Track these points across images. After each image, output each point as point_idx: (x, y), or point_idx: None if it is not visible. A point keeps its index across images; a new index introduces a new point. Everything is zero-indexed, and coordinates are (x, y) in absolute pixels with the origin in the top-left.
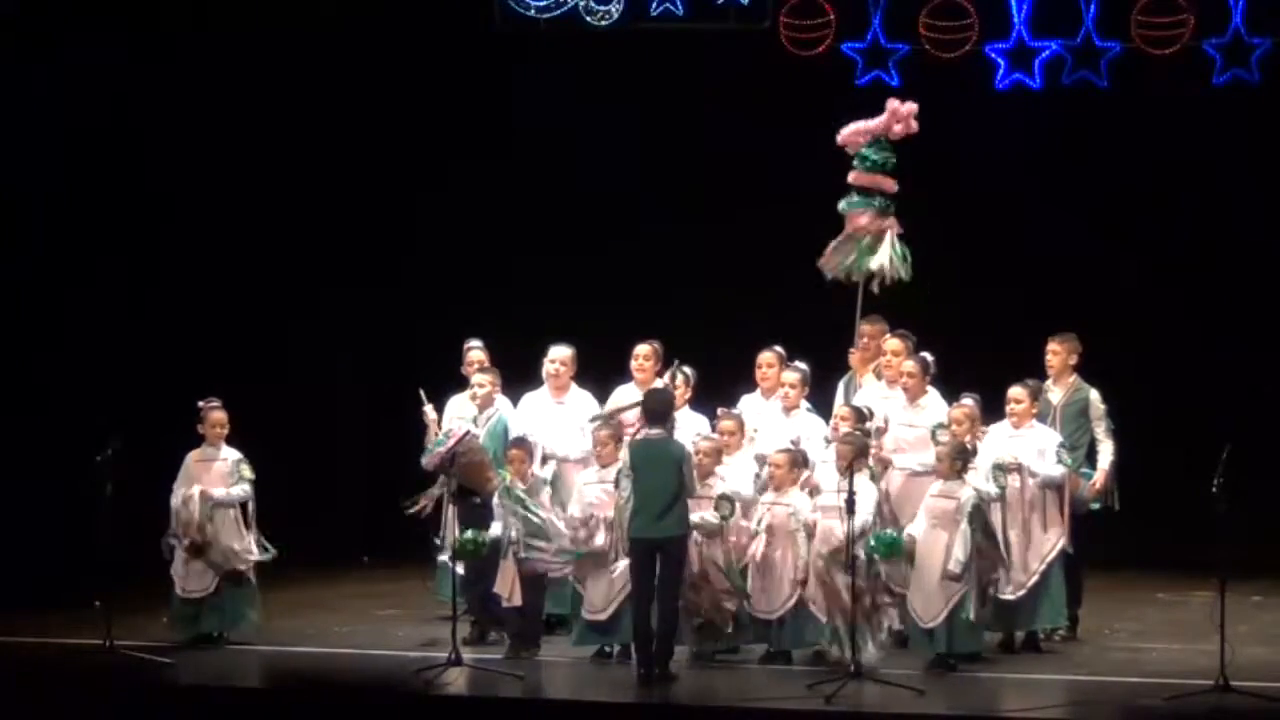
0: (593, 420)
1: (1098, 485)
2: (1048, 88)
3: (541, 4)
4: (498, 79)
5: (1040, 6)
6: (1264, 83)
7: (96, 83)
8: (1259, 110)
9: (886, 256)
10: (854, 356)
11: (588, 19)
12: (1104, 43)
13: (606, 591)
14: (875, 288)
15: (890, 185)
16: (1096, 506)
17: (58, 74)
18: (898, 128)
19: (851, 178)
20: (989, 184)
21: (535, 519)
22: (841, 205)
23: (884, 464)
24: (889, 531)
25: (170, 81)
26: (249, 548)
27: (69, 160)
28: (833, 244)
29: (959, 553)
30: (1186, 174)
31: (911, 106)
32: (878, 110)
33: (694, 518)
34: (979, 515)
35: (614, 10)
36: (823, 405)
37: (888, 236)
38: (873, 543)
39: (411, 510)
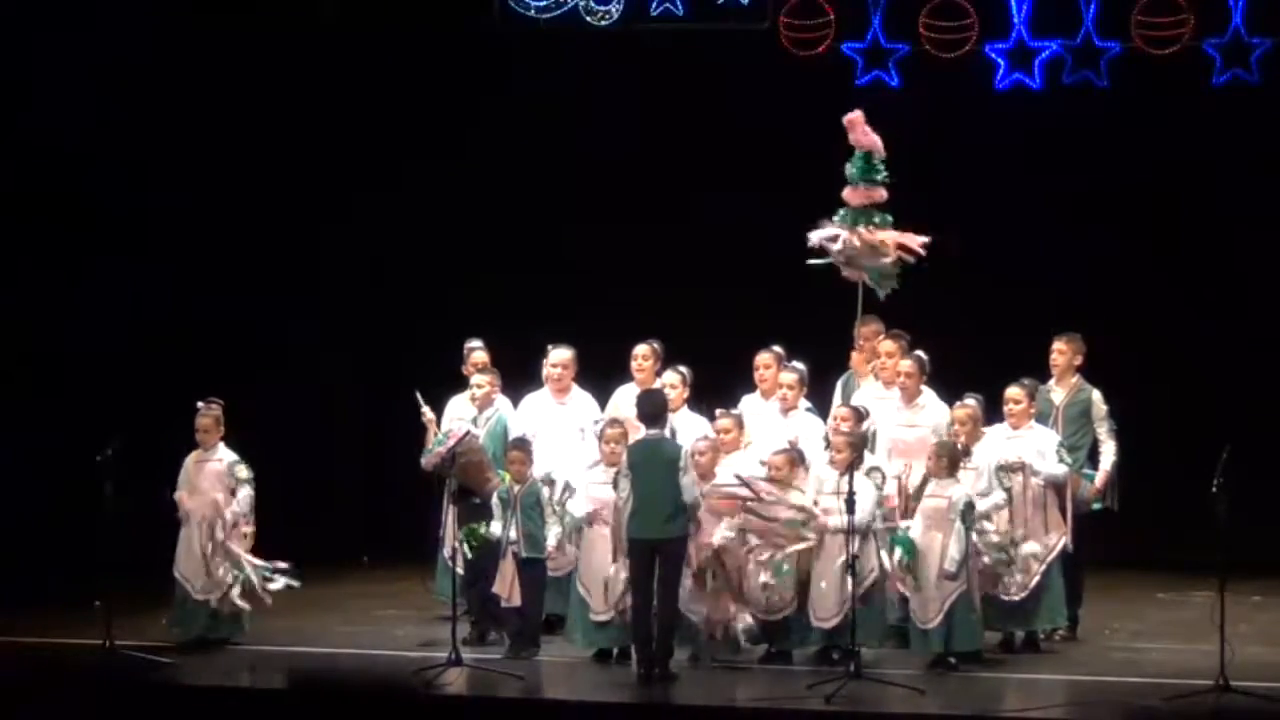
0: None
1: (1098, 485)
2: (1048, 88)
3: (541, 4)
4: (498, 79)
5: (1040, 6)
6: (1264, 83)
7: (96, 79)
8: (1259, 110)
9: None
10: (855, 358)
11: (588, 19)
12: (1104, 43)
13: (607, 593)
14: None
15: (880, 196)
16: (1098, 506)
17: (57, 71)
18: (863, 138)
19: (846, 196)
20: (989, 184)
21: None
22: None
23: (882, 475)
24: (901, 533)
25: (171, 80)
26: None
27: (68, 159)
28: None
29: (954, 552)
30: (1186, 174)
31: (856, 114)
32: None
33: (715, 538)
34: (971, 513)
35: (614, 10)
36: (822, 405)
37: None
38: (899, 551)
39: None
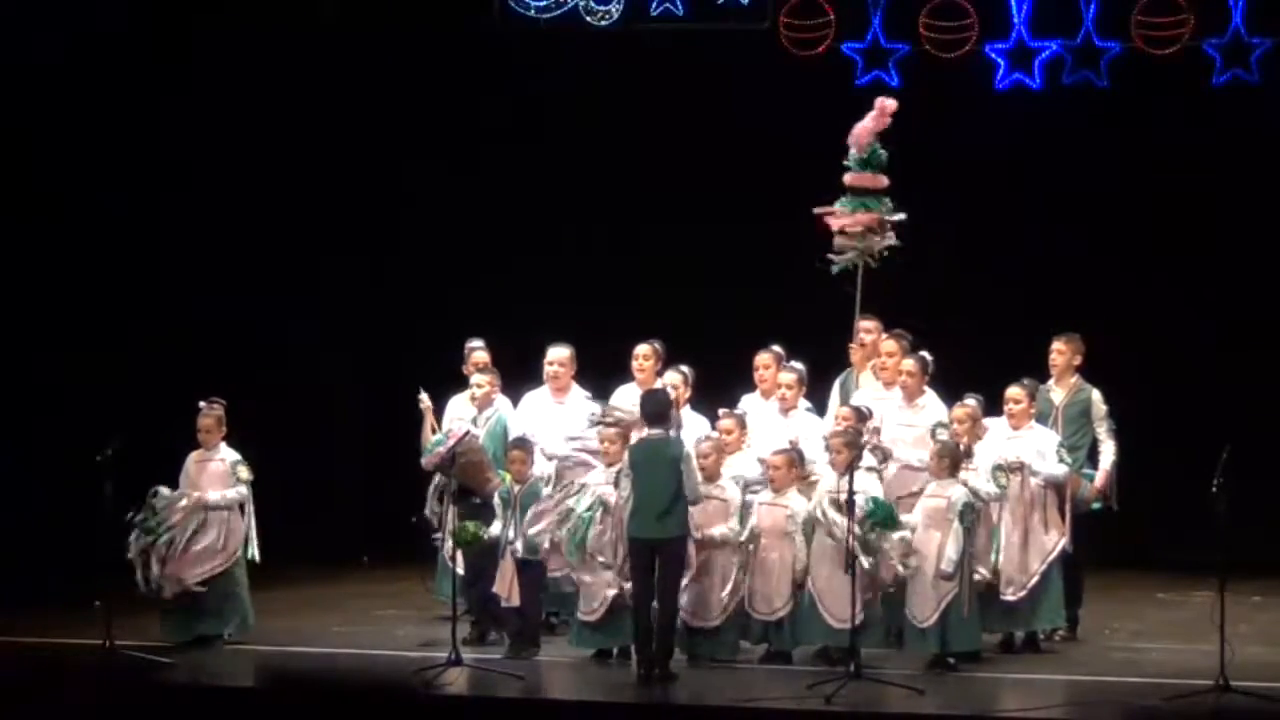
0: (591, 420)
1: (1098, 485)
2: (1048, 88)
3: (541, 4)
4: (498, 79)
5: (1040, 6)
6: (1264, 83)
7: (99, 78)
8: (1259, 110)
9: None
10: (854, 352)
11: (588, 19)
12: (1104, 43)
13: (598, 592)
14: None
15: (882, 181)
16: (1097, 507)
17: (64, 69)
18: (886, 122)
19: (848, 179)
20: (989, 184)
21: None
22: (838, 206)
23: (884, 454)
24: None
25: (172, 80)
26: (231, 552)
27: (69, 157)
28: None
29: (951, 552)
30: (1187, 174)
31: (892, 102)
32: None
33: (713, 531)
34: (970, 514)
35: (614, 10)
36: (822, 405)
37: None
38: (870, 506)
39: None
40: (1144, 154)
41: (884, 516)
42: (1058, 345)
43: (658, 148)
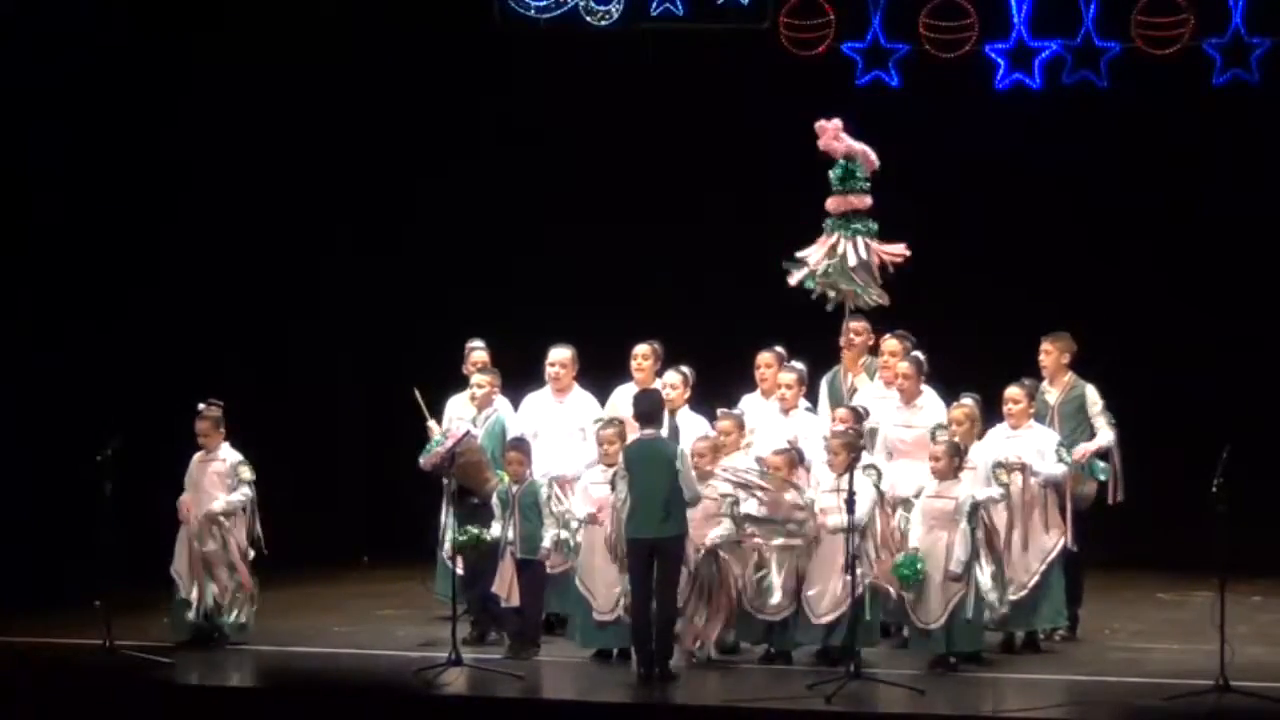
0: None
1: (1092, 449)
2: (1048, 88)
3: (541, 4)
4: (498, 79)
5: (1040, 6)
6: (1264, 83)
7: (99, 81)
8: (1259, 110)
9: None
10: (846, 355)
11: (588, 19)
12: (1104, 43)
13: (611, 592)
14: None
15: (863, 203)
16: (1103, 477)
17: (63, 72)
18: (836, 145)
19: (828, 204)
20: (989, 184)
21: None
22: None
23: (877, 471)
24: (909, 555)
25: (172, 82)
26: (246, 552)
27: (69, 159)
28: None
29: (959, 553)
30: (1186, 174)
31: (836, 122)
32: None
33: (712, 534)
34: (976, 514)
35: (614, 10)
36: (817, 405)
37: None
38: (904, 572)
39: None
40: (1144, 154)
41: (913, 575)
42: (1045, 345)
43: (658, 148)
